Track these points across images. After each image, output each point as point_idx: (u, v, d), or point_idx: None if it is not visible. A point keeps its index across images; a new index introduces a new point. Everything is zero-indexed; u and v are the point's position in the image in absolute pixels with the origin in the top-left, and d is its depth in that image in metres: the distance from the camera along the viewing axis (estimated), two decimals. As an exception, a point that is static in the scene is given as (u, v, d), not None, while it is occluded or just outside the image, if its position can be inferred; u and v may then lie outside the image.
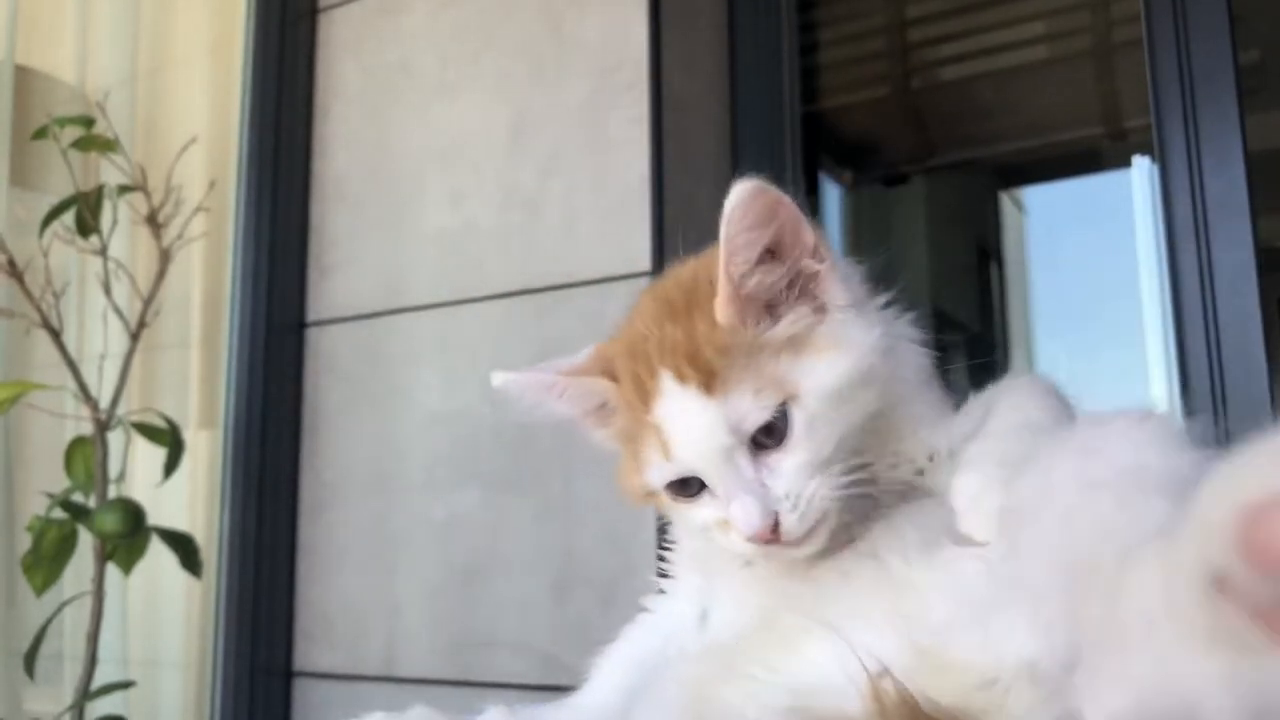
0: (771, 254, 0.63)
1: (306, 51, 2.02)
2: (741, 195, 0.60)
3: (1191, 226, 1.53)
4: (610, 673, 0.71)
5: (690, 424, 0.61)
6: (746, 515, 0.59)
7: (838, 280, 0.64)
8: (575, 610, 1.57)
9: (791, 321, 0.62)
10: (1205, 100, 1.55)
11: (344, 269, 1.92)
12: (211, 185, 1.74)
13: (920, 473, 0.66)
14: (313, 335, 1.92)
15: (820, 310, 0.64)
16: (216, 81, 2.02)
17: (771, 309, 0.63)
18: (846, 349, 0.62)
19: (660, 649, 0.69)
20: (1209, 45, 1.56)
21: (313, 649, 1.85)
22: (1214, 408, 1.49)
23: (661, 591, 0.74)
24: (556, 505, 1.62)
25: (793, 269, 0.63)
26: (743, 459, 0.61)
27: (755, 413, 0.60)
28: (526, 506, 1.65)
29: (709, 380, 0.61)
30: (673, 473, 0.63)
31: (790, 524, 0.59)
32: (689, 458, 0.62)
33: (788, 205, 0.62)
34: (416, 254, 1.85)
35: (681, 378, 0.61)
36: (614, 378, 0.66)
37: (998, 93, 2.72)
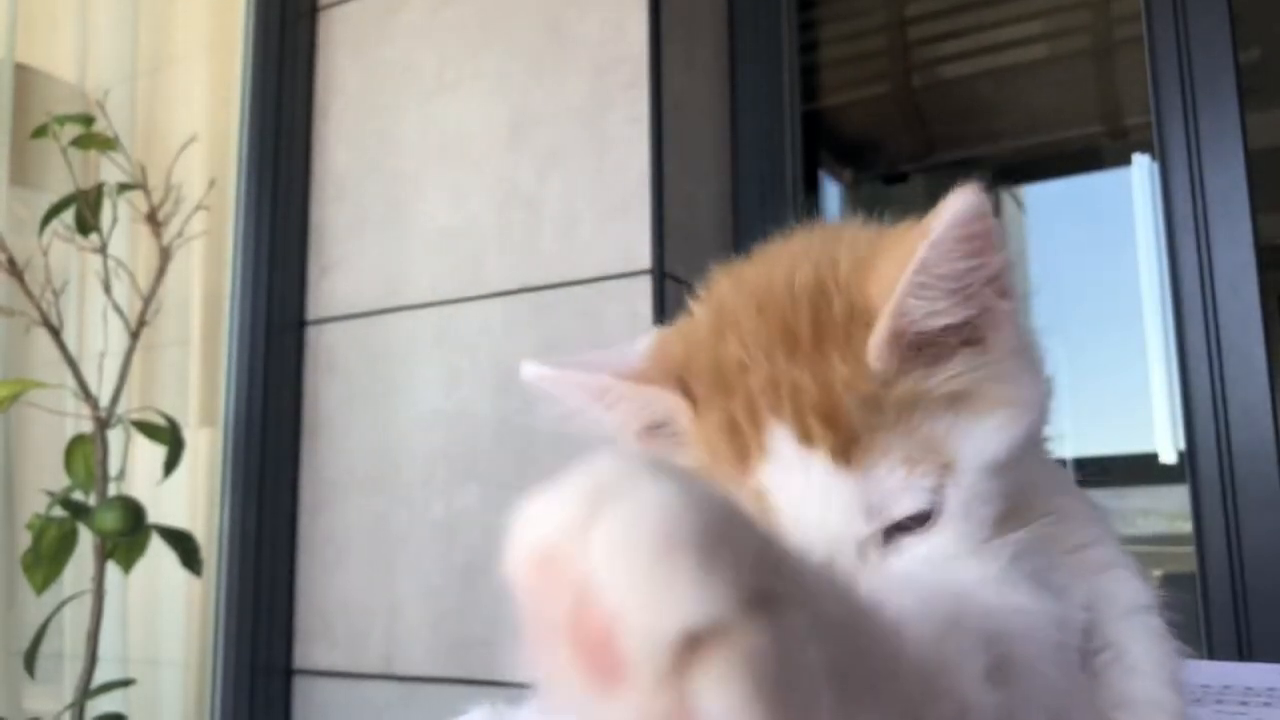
0: (960, 292, 0.46)
1: (306, 50, 2.02)
2: (963, 211, 0.43)
3: (1191, 224, 1.53)
4: None
5: (814, 504, 0.45)
6: None
7: (1014, 320, 0.49)
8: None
9: (956, 372, 0.47)
10: (1205, 98, 1.55)
11: (344, 267, 1.92)
12: (211, 183, 1.74)
13: None
14: (312, 333, 1.92)
15: (983, 354, 0.48)
16: (216, 80, 2.02)
17: (930, 350, 0.47)
18: (1020, 407, 0.48)
19: None
20: (1209, 43, 1.56)
21: (313, 647, 1.85)
22: (1214, 406, 1.49)
23: None
24: (556, 503, 1.62)
25: (979, 308, 0.47)
26: (875, 553, 0.46)
27: (907, 495, 0.45)
28: (526, 505, 1.65)
29: (847, 445, 0.45)
30: None
31: None
32: (804, 543, 0.45)
33: (996, 228, 0.46)
34: (416, 252, 1.85)
35: (807, 438, 0.45)
36: (688, 393, 0.49)
37: (998, 91, 2.72)
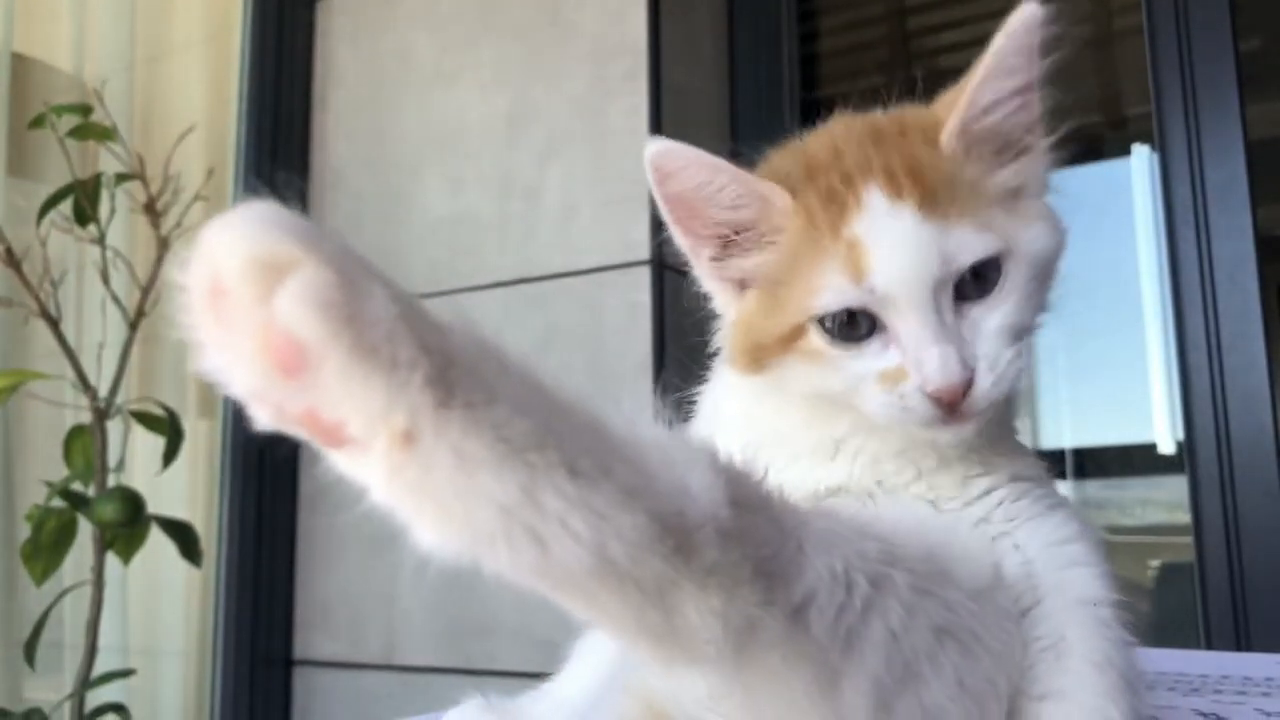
0: (1019, 95, 0.56)
1: (304, 39, 2.02)
2: (1032, 14, 0.54)
3: (1191, 215, 1.53)
4: (588, 660, 0.64)
5: (900, 242, 0.52)
6: (945, 364, 0.51)
7: (1045, 166, 0.58)
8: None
9: (1016, 173, 0.56)
10: (1206, 89, 1.55)
11: (342, 258, 1.91)
12: (210, 173, 1.73)
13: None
14: (311, 324, 1.92)
15: (1028, 171, 0.57)
16: (214, 69, 2.01)
17: (989, 149, 0.56)
18: (1052, 227, 0.56)
19: None
20: (1210, 33, 1.56)
21: (312, 637, 1.85)
22: (1213, 397, 1.49)
23: None
24: (556, 494, 1.62)
25: (1030, 119, 0.57)
26: (946, 300, 0.52)
27: (976, 245, 0.52)
28: (526, 495, 1.65)
29: (930, 200, 0.52)
30: (857, 299, 0.52)
31: (985, 387, 0.52)
32: (889, 282, 0.52)
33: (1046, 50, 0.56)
34: (415, 242, 1.85)
35: (896, 191, 0.53)
36: (786, 186, 0.56)
37: (997, 81, 2.71)
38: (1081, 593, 0.52)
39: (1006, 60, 0.54)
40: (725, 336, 0.61)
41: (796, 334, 0.55)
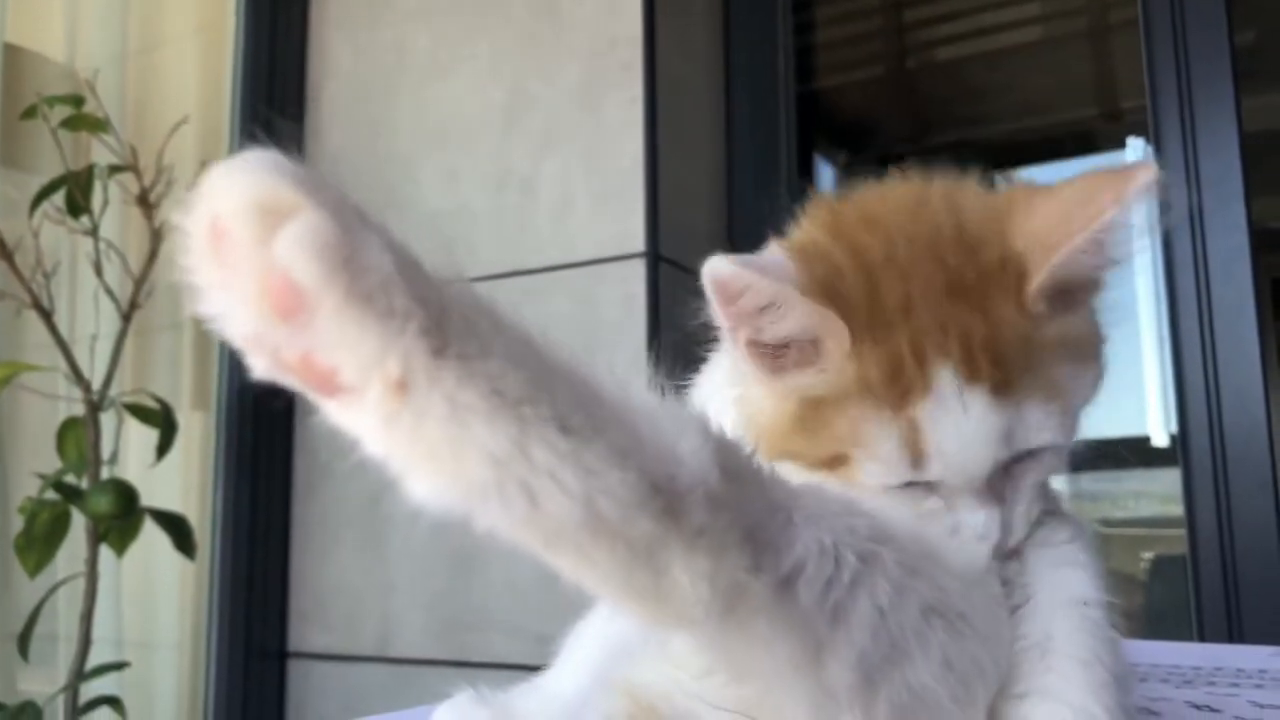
0: (1111, 250, 0.51)
1: (299, 30, 2.01)
2: (1148, 180, 0.48)
3: (1186, 209, 1.53)
4: (579, 655, 0.64)
5: (969, 435, 0.49)
6: (987, 531, 0.50)
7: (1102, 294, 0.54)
8: (568, 591, 1.57)
9: (1078, 324, 0.52)
10: (1201, 82, 1.55)
11: (337, 250, 1.91)
12: (203, 165, 1.72)
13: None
14: (306, 316, 1.91)
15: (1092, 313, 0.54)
16: (208, 60, 2.00)
17: (1065, 299, 0.51)
18: (1102, 368, 0.53)
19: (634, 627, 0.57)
20: (1205, 26, 1.55)
21: (307, 630, 1.85)
22: (1206, 390, 1.49)
23: None
24: (550, 486, 1.62)
25: (1103, 261, 0.51)
26: (999, 470, 0.50)
27: (1046, 429, 0.49)
28: (520, 488, 1.65)
29: (1005, 380, 0.49)
30: (911, 478, 0.50)
31: (1011, 543, 0.51)
32: (949, 472, 0.49)
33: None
34: (410, 234, 1.83)
35: (971, 375, 0.49)
36: (845, 317, 0.50)
37: (993, 73, 2.71)
38: (1072, 593, 0.51)
39: (1117, 222, 0.49)
40: (750, 420, 0.55)
41: (840, 462, 0.52)
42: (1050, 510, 0.56)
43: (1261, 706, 0.76)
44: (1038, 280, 0.49)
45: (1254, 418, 1.47)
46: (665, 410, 0.35)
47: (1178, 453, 1.53)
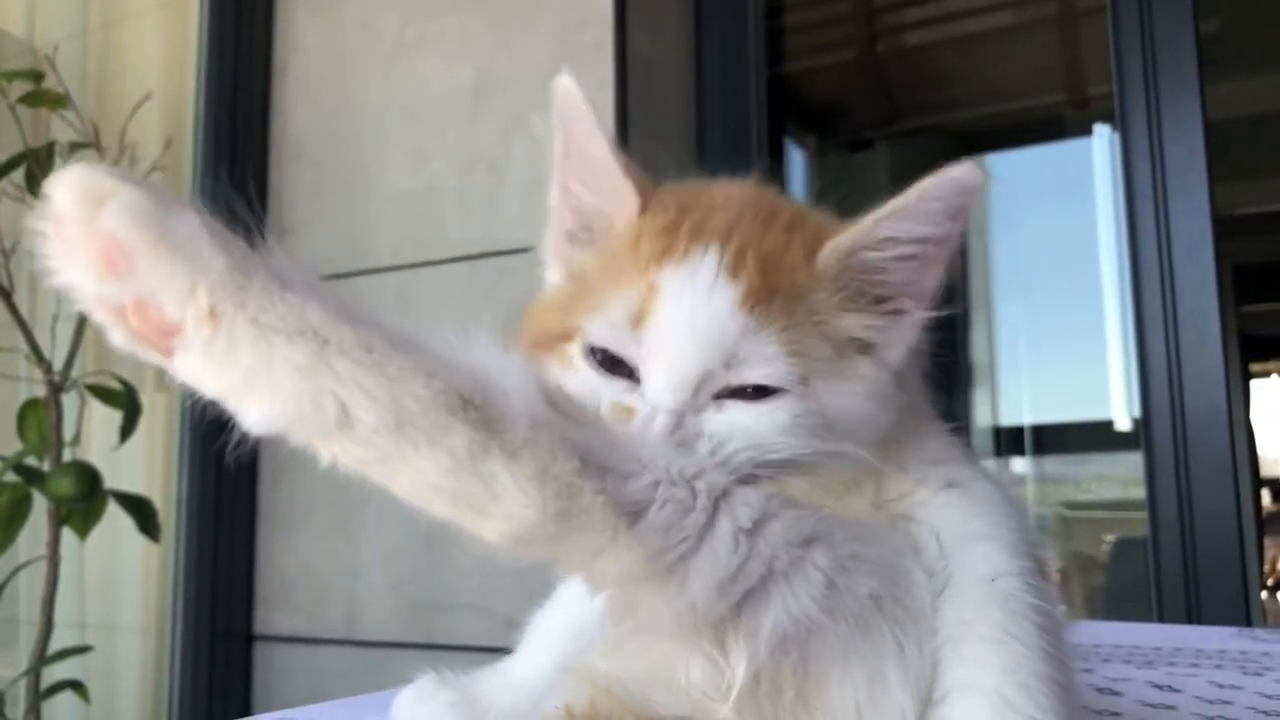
0: (920, 245, 0.51)
1: (264, 7, 1.98)
2: (971, 178, 0.49)
3: (1151, 194, 1.54)
4: (542, 640, 0.63)
5: (697, 317, 0.48)
6: (665, 433, 0.48)
7: (910, 340, 0.53)
8: (536, 573, 1.57)
9: (867, 327, 0.51)
10: (1166, 69, 1.56)
11: (303, 230, 1.89)
12: (167, 143, 1.71)
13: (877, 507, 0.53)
14: (272, 297, 1.90)
15: (868, 344, 0.52)
16: (171, 37, 1.97)
17: (854, 295, 0.51)
18: (866, 399, 0.51)
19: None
20: (1171, 14, 1.57)
21: (273, 613, 1.84)
22: (1169, 374, 1.51)
23: None
24: (519, 469, 1.62)
25: (917, 283, 0.52)
26: (709, 391, 0.48)
27: (770, 366, 0.48)
28: (489, 470, 1.65)
29: (762, 299, 0.48)
30: (621, 349, 0.50)
31: (675, 440, 0.48)
32: (658, 351, 0.48)
33: (966, 217, 0.51)
34: (377, 215, 1.83)
35: (733, 270, 0.49)
36: (646, 200, 0.53)
37: (962, 59, 2.72)
38: (978, 572, 0.49)
39: (926, 205, 0.50)
40: (519, 316, 0.57)
41: (567, 337, 0.52)
42: (969, 482, 0.53)
43: (1220, 686, 0.77)
44: (838, 239, 0.50)
45: (1215, 403, 1.49)
46: (501, 357, 0.39)
47: (1140, 436, 1.55)
